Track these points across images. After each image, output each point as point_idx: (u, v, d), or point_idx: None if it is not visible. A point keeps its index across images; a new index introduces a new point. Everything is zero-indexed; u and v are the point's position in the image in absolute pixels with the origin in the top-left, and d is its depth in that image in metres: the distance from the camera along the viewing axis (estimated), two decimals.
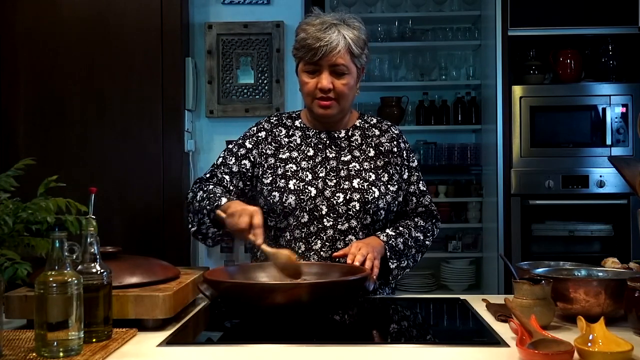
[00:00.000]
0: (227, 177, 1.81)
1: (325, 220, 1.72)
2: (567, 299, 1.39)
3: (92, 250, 1.23)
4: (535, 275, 1.45)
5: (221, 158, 1.85)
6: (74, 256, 1.17)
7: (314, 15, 1.75)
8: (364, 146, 1.82)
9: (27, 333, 1.28)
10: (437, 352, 1.22)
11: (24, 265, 1.15)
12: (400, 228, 1.78)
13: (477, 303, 1.60)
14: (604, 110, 3.55)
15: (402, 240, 1.74)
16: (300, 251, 1.72)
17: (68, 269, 1.14)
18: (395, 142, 1.84)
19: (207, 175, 1.83)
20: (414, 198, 1.85)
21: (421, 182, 1.87)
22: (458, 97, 4.32)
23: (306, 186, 1.74)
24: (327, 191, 1.74)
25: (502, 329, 1.34)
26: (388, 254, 1.70)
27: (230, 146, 1.87)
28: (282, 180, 1.75)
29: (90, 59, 3.00)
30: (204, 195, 1.73)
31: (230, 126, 3.15)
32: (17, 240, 1.22)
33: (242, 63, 3.17)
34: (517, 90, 3.58)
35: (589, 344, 1.11)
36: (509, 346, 1.22)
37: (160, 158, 3.01)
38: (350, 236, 1.72)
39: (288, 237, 1.74)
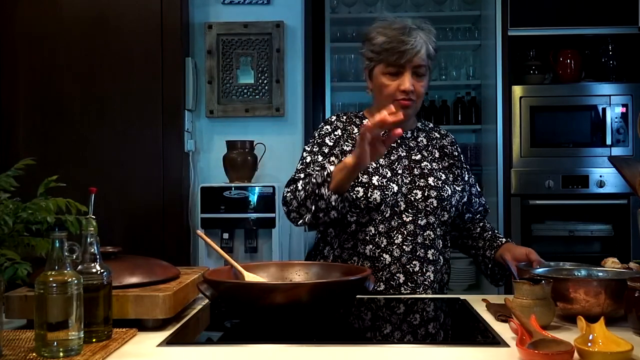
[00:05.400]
0: None
1: (404, 215, 1.78)
2: (567, 299, 1.39)
3: (92, 250, 1.23)
4: (535, 275, 1.45)
5: (308, 157, 1.83)
6: (74, 256, 1.17)
7: (389, 20, 1.82)
8: (429, 147, 1.91)
9: (27, 333, 1.28)
10: (437, 352, 1.22)
11: (24, 265, 1.15)
12: (496, 231, 1.97)
13: (477, 303, 1.60)
14: (604, 110, 3.54)
15: None
16: (382, 245, 1.76)
17: (68, 269, 1.14)
18: (454, 147, 1.97)
19: (301, 175, 1.79)
20: (476, 199, 1.98)
21: (476, 183, 2.01)
22: (458, 97, 4.32)
23: (388, 182, 1.78)
24: (404, 188, 1.80)
25: (502, 329, 1.34)
26: None
27: (309, 148, 1.86)
28: (365, 176, 1.77)
29: (90, 59, 3.01)
30: (307, 180, 1.71)
31: (230, 126, 3.16)
32: (17, 240, 1.21)
33: (242, 63, 3.17)
34: (517, 90, 3.58)
35: (589, 344, 1.11)
36: (509, 346, 1.22)
37: (160, 158, 3.01)
38: (428, 231, 1.80)
39: (372, 232, 1.78)
